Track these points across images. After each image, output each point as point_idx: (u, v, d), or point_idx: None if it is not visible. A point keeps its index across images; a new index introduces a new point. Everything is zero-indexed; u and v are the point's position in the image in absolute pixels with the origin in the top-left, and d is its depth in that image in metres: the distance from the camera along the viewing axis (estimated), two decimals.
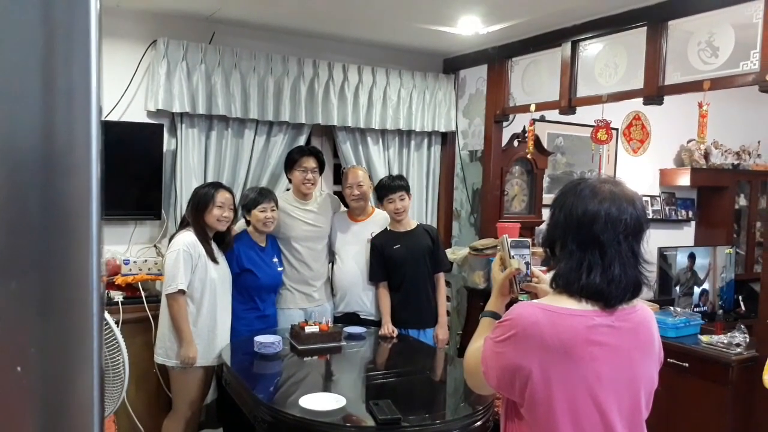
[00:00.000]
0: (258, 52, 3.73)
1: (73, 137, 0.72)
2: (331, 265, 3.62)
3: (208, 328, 2.98)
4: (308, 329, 3.02)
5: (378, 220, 3.55)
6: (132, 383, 3.19)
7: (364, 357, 3.18)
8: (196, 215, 3.00)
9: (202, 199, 3.00)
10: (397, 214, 3.40)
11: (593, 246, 1.32)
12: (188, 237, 2.94)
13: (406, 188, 3.44)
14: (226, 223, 3.04)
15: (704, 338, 2.84)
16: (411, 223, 3.52)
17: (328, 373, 2.90)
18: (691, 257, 4.97)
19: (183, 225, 3.10)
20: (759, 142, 5.81)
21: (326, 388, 2.49)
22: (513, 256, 1.54)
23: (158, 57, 3.47)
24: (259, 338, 2.92)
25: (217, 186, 3.10)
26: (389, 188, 3.40)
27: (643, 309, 1.44)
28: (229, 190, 3.12)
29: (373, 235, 3.46)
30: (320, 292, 3.46)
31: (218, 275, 3.00)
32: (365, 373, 2.90)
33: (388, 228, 3.46)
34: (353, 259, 3.48)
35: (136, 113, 3.53)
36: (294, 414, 2.22)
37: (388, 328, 3.31)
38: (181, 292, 2.87)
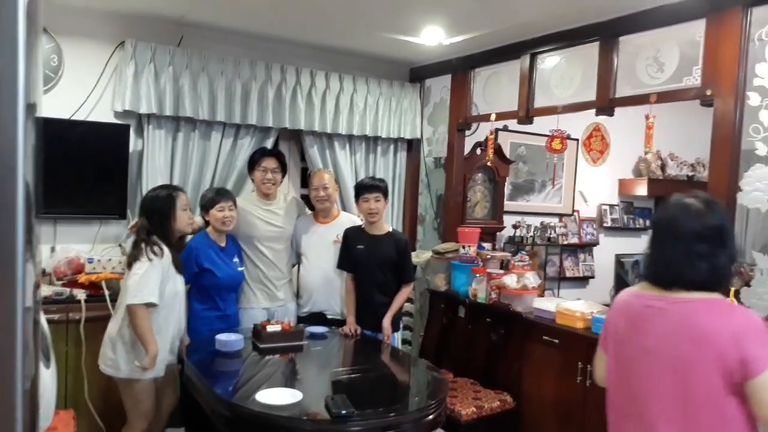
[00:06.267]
0: (226, 56, 3.79)
1: None
2: (297, 267, 3.69)
3: (168, 339, 2.88)
4: (270, 328, 3.07)
5: (343, 222, 3.61)
6: (94, 382, 3.22)
7: (326, 355, 3.24)
8: (164, 223, 2.84)
9: (165, 205, 2.85)
10: (371, 215, 3.39)
11: (655, 245, 1.72)
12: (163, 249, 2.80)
13: (383, 191, 3.41)
14: (192, 226, 3.04)
15: None
16: (383, 227, 3.49)
17: (289, 371, 2.95)
18: (637, 264, 5.17)
19: (147, 235, 2.82)
20: None
21: (286, 385, 2.53)
22: None
23: (126, 58, 3.51)
24: (220, 336, 2.96)
25: (173, 188, 2.98)
26: (366, 188, 3.41)
27: (703, 301, 1.63)
28: (183, 190, 3.02)
29: (338, 236, 3.53)
30: (283, 292, 3.52)
31: (182, 286, 2.94)
32: (325, 371, 2.96)
33: (362, 226, 3.50)
34: (319, 260, 3.54)
35: (102, 113, 3.56)
36: (251, 408, 2.27)
37: (350, 327, 3.38)
38: (149, 305, 2.72)
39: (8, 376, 0.71)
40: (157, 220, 2.84)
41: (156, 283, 2.73)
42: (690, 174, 5.94)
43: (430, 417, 2.39)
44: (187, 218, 2.96)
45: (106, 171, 3.53)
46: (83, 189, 3.48)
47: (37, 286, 0.79)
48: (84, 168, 3.46)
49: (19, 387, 0.71)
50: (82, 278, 3.32)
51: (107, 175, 3.53)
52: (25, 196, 0.73)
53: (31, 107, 0.74)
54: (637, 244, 5.92)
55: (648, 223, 6.00)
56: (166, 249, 2.81)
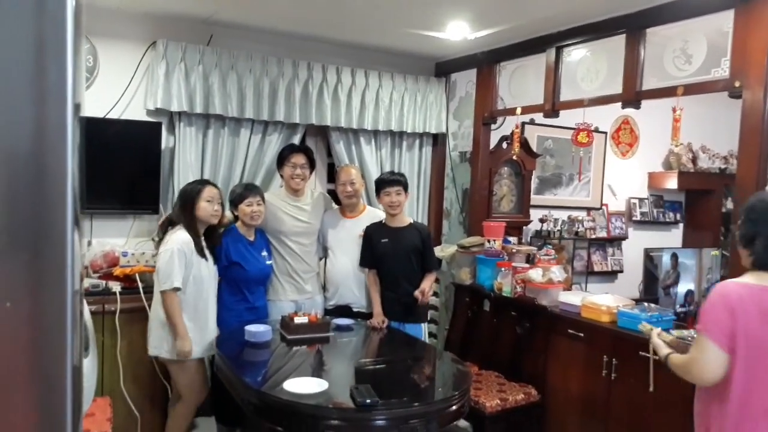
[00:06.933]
0: (254, 53, 3.87)
1: (47, 142, 0.75)
2: (324, 261, 3.76)
3: (202, 322, 3.09)
4: (297, 320, 3.14)
5: (369, 217, 3.67)
6: (129, 371, 3.33)
7: (352, 347, 3.31)
8: (186, 212, 3.08)
9: (189, 196, 3.10)
10: (392, 208, 3.47)
11: None
12: (182, 235, 3.03)
13: (404, 185, 3.52)
14: (217, 217, 3.17)
15: (675, 332, 2.95)
16: (405, 220, 3.59)
17: (316, 362, 3.02)
18: (674, 257, 5.09)
19: (170, 224, 3.15)
20: None
21: (313, 375, 2.60)
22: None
23: (157, 57, 3.61)
24: (249, 327, 3.04)
25: (203, 182, 3.22)
26: (387, 182, 3.50)
27: None
28: (215, 185, 3.22)
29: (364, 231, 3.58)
30: (310, 284, 3.59)
31: (208, 271, 3.12)
32: (351, 361, 3.03)
33: (383, 221, 3.58)
34: (345, 254, 3.61)
35: (135, 111, 3.67)
36: (279, 397, 2.34)
37: (378, 319, 3.43)
38: (176, 289, 2.95)
39: (61, 351, 0.78)
40: (182, 208, 3.11)
41: (179, 269, 2.96)
42: (722, 167, 5.83)
43: (454, 408, 2.43)
44: (210, 209, 3.10)
45: (140, 167, 3.65)
46: (118, 185, 3.60)
47: (81, 277, 0.85)
48: (118, 165, 3.57)
49: (69, 362, 0.78)
50: (117, 271, 3.43)
51: (140, 172, 3.65)
52: (72, 191, 0.78)
53: (77, 107, 0.79)
54: (667, 238, 5.83)
55: (679, 216, 5.92)
56: (174, 236, 3.02)
